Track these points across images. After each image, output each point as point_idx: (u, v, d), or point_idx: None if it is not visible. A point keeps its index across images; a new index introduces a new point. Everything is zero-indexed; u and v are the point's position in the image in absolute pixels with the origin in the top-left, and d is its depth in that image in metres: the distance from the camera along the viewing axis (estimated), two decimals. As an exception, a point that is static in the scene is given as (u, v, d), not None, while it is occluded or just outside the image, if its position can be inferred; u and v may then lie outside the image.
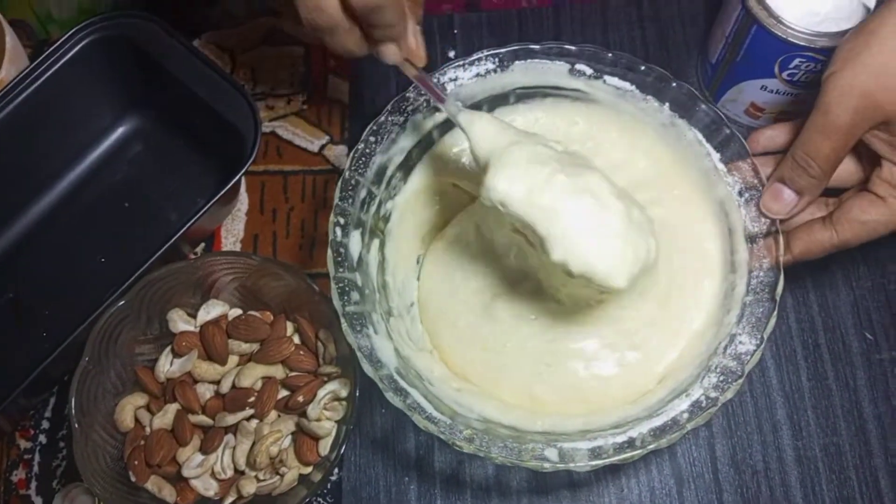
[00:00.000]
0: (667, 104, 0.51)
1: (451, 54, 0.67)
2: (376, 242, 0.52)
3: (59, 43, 0.58)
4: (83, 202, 0.62)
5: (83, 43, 0.59)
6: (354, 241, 0.49)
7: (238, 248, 0.62)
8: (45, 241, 0.61)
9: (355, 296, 0.47)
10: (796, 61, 0.55)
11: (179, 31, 0.59)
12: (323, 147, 0.64)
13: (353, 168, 0.50)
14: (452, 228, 0.55)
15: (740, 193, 0.49)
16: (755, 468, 0.55)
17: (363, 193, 0.50)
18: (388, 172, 0.52)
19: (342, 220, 0.49)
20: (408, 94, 0.51)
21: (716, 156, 0.51)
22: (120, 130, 0.64)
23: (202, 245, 0.62)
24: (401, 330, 0.51)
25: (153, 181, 0.63)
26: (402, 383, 0.46)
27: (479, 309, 0.52)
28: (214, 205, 0.55)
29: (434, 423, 0.44)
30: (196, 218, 0.55)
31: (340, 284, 0.47)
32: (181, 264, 0.52)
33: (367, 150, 0.50)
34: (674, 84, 0.51)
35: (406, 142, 0.52)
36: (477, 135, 0.46)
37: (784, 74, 0.57)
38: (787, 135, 0.51)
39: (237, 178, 0.56)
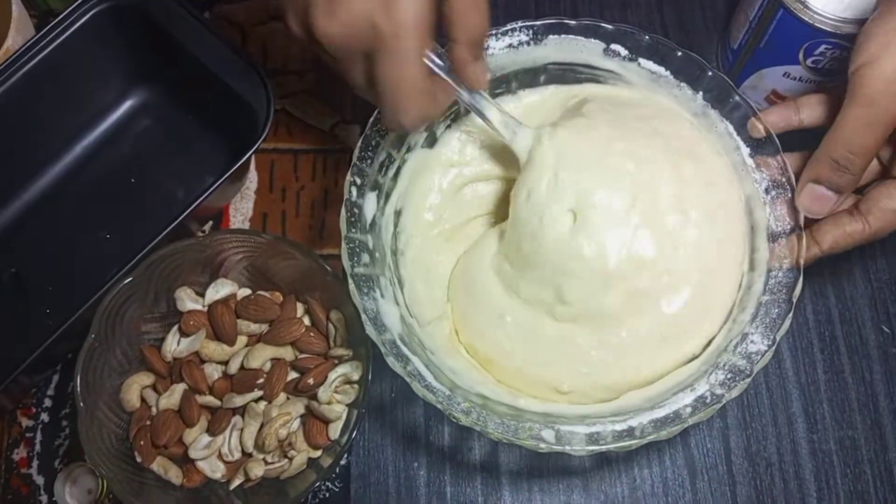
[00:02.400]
0: (700, 93, 0.50)
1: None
2: (392, 208, 0.51)
3: (66, 12, 0.57)
4: (89, 177, 0.61)
5: (91, 13, 0.57)
6: (370, 203, 0.48)
7: (247, 226, 0.60)
8: (49, 216, 0.60)
9: (365, 258, 0.47)
10: (822, 48, 0.54)
11: (190, 3, 0.57)
12: (334, 126, 0.63)
13: (374, 128, 0.49)
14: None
15: (767, 191, 0.48)
16: (769, 460, 0.54)
17: (382, 156, 0.49)
18: (411, 137, 0.50)
19: (359, 181, 0.48)
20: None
21: (745, 150, 0.50)
22: (128, 104, 0.62)
23: (210, 223, 0.61)
24: (412, 298, 0.51)
25: (161, 157, 0.61)
26: (405, 350, 0.45)
27: (503, 296, 0.51)
28: (224, 183, 0.54)
29: (433, 393, 0.44)
30: (205, 196, 0.53)
31: (351, 245, 0.46)
32: (189, 242, 0.51)
33: None
34: (710, 73, 0.50)
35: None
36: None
37: (808, 61, 0.56)
38: (794, 114, 0.50)
39: (248, 155, 0.54)
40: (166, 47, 0.58)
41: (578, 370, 0.48)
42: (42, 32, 0.57)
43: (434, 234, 0.53)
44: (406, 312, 0.50)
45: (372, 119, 0.49)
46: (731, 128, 0.50)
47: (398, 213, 0.52)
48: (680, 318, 0.47)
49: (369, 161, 0.48)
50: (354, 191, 0.48)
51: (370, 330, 0.45)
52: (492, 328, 0.49)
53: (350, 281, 0.45)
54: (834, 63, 0.55)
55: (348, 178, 0.47)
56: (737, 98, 0.50)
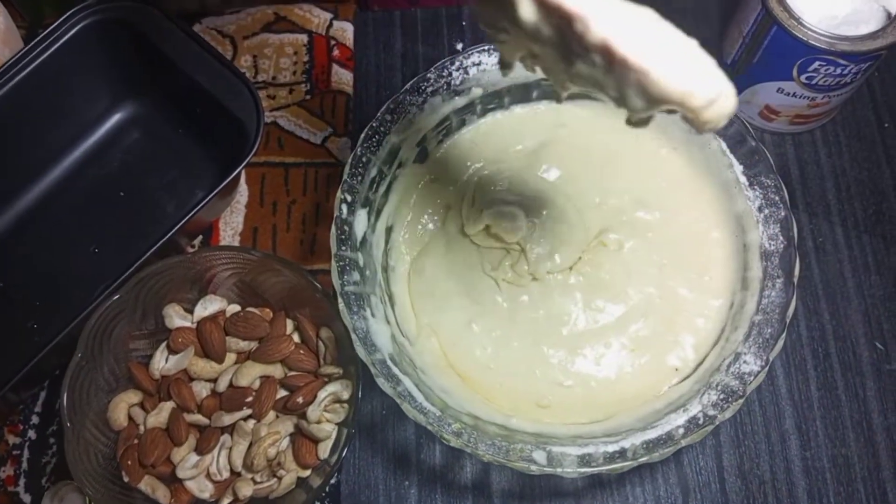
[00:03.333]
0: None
1: (459, 46, 0.65)
2: (382, 224, 0.50)
3: (55, 25, 0.56)
4: (77, 191, 0.60)
5: (80, 25, 0.57)
6: (360, 221, 0.48)
7: (237, 241, 0.60)
8: (37, 231, 0.59)
9: (355, 276, 0.46)
10: (816, 64, 0.54)
11: (179, 16, 0.57)
12: (326, 139, 0.63)
13: (365, 145, 0.48)
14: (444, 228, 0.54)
15: (760, 209, 0.48)
16: (762, 478, 0.54)
17: (373, 172, 0.49)
18: (401, 154, 0.50)
19: (349, 198, 0.47)
20: (428, 75, 0.50)
21: (738, 167, 0.49)
22: (116, 117, 0.62)
23: (199, 238, 0.60)
24: (402, 315, 0.50)
25: (150, 171, 0.61)
26: (395, 370, 0.45)
27: (475, 303, 0.51)
28: (213, 197, 0.53)
29: (423, 414, 0.44)
30: (195, 211, 0.53)
31: (341, 263, 0.46)
32: (178, 258, 0.51)
33: (382, 129, 0.49)
34: None
35: (422, 124, 0.50)
36: None
37: (802, 77, 0.55)
38: None
39: (238, 170, 0.54)
40: (155, 60, 0.58)
41: (558, 382, 0.48)
42: (30, 45, 0.56)
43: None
44: (397, 331, 0.49)
45: (363, 136, 0.48)
46: (724, 145, 0.50)
47: (389, 230, 0.52)
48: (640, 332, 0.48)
49: (360, 178, 0.48)
50: (345, 208, 0.47)
51: (360, 350, 0.45)
52: (463, 339, 0.49)
53: (340, 300, 0.45)
54: (828, 79, 0.55)
55: (339, 195, 0.47)
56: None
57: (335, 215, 0.47)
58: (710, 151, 0.50)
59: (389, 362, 0.45)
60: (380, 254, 0.50)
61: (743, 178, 0.49)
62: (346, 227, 0.47)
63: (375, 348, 0.45)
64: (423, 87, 0.50)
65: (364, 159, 0.48)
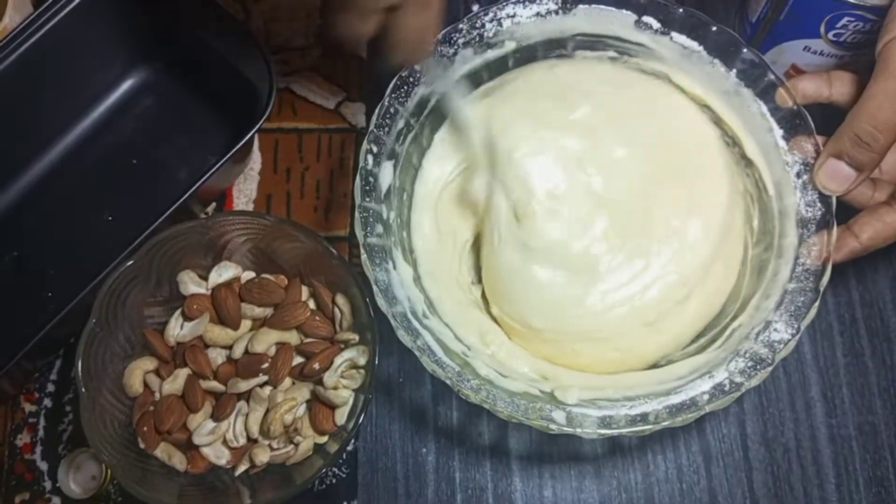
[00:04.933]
0: (734, 70, 0.49)
1: (475, 7, 0.64)
2: (409, 177, 0.49)
3: (64, -11, 0.55)
4: (89, 158, 0.60)
5: (90, -11, 0.56)
6: (386, 173, 0.47)
7: (250, 208, 0.59)
8: (50, 198, 0.59)
9: (379, 228, 0.46)
10: (844, 20, 0.52)
11: (190, -22, 0.56)
12: (339, 104, 0.62)
13: (393, 95, 0.47)
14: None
15: (798, 175, 0.47)
16: (787, 446, 0.53)
17: (401, 124, 0.48)
18: (430, 105, 0.49)
19: (375, 149, 0.47)
20: (460, 26, 0.48)
21: (778, 132, 0.48)
22: (128, 83, 0.61)
23: (213, 205, 0.60)
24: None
25: (163, 137, 0.60)
26: (415, 324, 0.44)
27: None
28: (226, 163, 0.53)
29: (442, 369, 0.43)
30: (207, 176, 0.52)
31: (365, 214, 0.45)
32: (192, 224, 0.50)
33: (411, 79, 0.48)
34: (744, 50, 0.48)
35: (453, 75, 0.49)
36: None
37: (830, 35, 0.54)
38: (825, 87, 0.48)
39: (250, 135, 0.53)
40: (167, 25, 0.57)
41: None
42: (40, 10, 0.55)
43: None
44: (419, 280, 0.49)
45: (391, 86, 0.47)
46: (764, 108, 0.48)
47: (414, 180, 0.51)
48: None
49: (386, 129, 0.47)
50: (370, 159, 0.46)
51: (381, 301, 0.44)
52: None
53: (362, 251, 0.45)
54: (857, 36, 0.53)
55: (364, 145, 0.46)
56: (771, 77, 0.48)
57: (360, 166, 0.46)
58: (750, 114, 0.49)
59: (410, 316, 0.44)
60: (406, 208, 0.50)
61: (782, 143, 0.48)
62: (371, 179, 0.46)
63: (396, 301, 0.44)
64: (454, 39, 0.49)
65: (392, 110, 0.47)
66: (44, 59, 0.56)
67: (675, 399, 0.43)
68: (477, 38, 0.49)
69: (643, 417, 0.43)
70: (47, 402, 0.55)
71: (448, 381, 0.43)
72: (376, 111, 0.47)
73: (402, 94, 0.48)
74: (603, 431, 0.42)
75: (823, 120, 0.48)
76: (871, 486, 0.52)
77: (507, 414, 0.43)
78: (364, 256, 0.44)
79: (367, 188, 0.46)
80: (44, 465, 0.54)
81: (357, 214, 0.45)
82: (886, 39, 0.42)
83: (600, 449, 0.53)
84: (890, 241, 0.46)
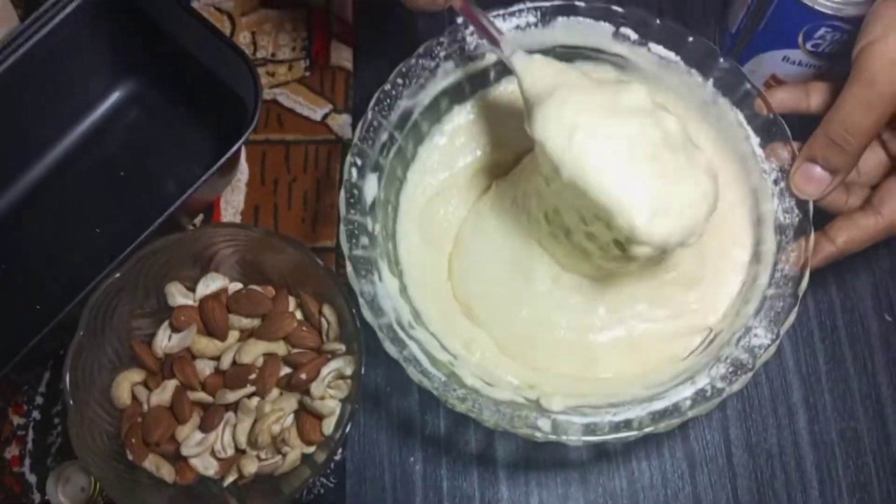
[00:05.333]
0: (711, 80, 0.49)
1: (460, 20, 0.64)
2: (394, 189, 0.50)
3: (51, 2, 0.56)
4: (76, 170, 0.60)
5: (76, 2, 0.56)
6: (370, 185, 0.47)
7: (238, 219, 0.60)
8: (37, 211, 0.59)
9: (364, 240, 0.46)
10: (822, 31, 0.53)
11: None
12: (326, 116, 0.62)
13: (376, 109, 0.48)
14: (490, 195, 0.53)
15: (776, 182, 0.47)
16: (770, 452, 0.54)
17: (384, 137, 0.48)
18: (413, 118, 0.50)
19: (359, 162, 0.47)
20: (441, 39, 0.49)
21: (755, 139, 0.48)
22: (115, 96, 0.61)
23: (200, 216, 0.60)
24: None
25: (150, 149, 0.60)
26: (402, 334, 0.45)
27: (515, 277, 0.51)
28: (214, 175, 0.53)
29: (428, 379, 0.44)
30: (195, 188, 0.52)
31: (350, 227, 0.45)
32: (179, 236, 0.50)
33: (393, 93, 0.48)
34: (721, 59, 0.49)
35: (435, 88, 0.50)
36: (530, 79, 0.44)
37: (808, 45, 0.54)
38: (803, 98, 0.49)
39: (237, 146, 0.53)
40: (153, 37, 0.57)
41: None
42: (27, 23, 0.55)
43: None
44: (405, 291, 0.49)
45: (374, 99, 0.48)
46: (741, 116, 0.49)
47: (398, 193, 0.52)
48: None
49: (370, 142, 0.48)
50: (355, 172, 0.47)
51: (367, 313, 0.44)
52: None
53: (348, 263, 0.45)
54: (834, 46, 0.54)
55: (349, 158, 0.47)
56: (748, 86, 0.48)
57: (345, 178, 0.46)
58: (727, 123, 0.49)
59: (396, 326, 0.45)
60: (390, 220, 0.50)
61: (759, 151, 0.48)
62: (355, 191, 0.47)
63: (382, 312, 0.45)
64: (435, 52, 0.49)
65: (375, 123, 0.48)
66: (30, 72, 0.56)
67: (658, 405, 0.44)
68: (458, 51, 0.50)
69: (627, 424, 0.43)
70: (36, 414, 0.55)
71: (434, 392, 0.43)
72: (359, 124, 0.47)
73: (385, 108, 0.48)
74: (587, 438, 0.43)
75: (802, 128, 0.49)
76: (854, 492, 0.53)
77: (492, 423, 0.43)
78: (350, 269, 0.45)
79: (352, 200, 0.46)
80: (32, 478, 0.54)
81: (342, 227, 0.46)
82: (861, 45, 0.43)
83: (586, 455, 0.53)
84: (865, 245, 0.46)
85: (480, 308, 0.50)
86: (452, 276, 0.52)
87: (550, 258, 0.50)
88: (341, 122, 0.62)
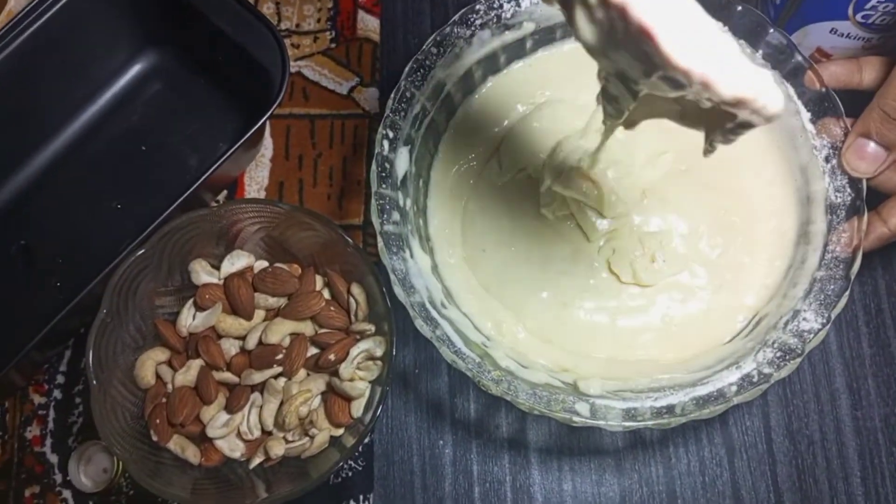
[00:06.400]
0: (760, 52, 0.47)
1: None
2: (425, 164, 0.48)
3: (70, -29, 0.54)
4: (98, 145, 0.59)
5: (97, -29, 0.54)
6: (402, 159, 0.46)
7: (262, 196, 0.58)
8: (58, 186, 0.58)
9: (395, 215, 0.44)
10: (874, 1, 0.50)
11: (199, -40, 0.54)
12: (352, 89, 0.60)
13: (409, 79, 0.46)
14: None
15: (827, 159, 0.45)
16: (811, 438, 0.52)
17: (417, 108, 0.47)
18: (446, 89, 0.48)
19: (391, 134, 0.45)
20: (478, 7, 0.47)
21: (805, 115, 0.46)
22: (137, 68, 0.60)
23: (224, 193, 0.58)
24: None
25: (172, 123, 0.59)
26: (434, 313, 0.43)
27: (531, 257, 0.49)
28: (238, 150, 0.51)
29: (462, 360, 0.42)
30: (219, 164, 0.51)
31: (381, 201, 0.44)
32: (203, 212, 0.49)
33: (427, 62, 0.46)
34: (771, 30, 0.46)
35: (470, 58, 0.48)
36: None
37: (858, 16, 0.52)
38: (856, 72, 0.47)
39: (262, 121, 0.52)
40: (176, 7, 0.55)
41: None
42: (46, -8, 0.54)
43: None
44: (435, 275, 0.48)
45: (407, 69, 0.46)
46: (791, 90, 0.47)
47: (430, 167, 0.50)
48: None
49: (403, 114, 0.46)
50: (387, 144, 0.45)
51: (398, 291, 0.43)
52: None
53: (379, 239, 0.43)
54: (886, 18, 0.51)
55: (381, 130, 0.45)
56: (798, 58, 0.46)
57: (376, 151, 0.45)
58: None
59: (428, 304, 0.43)
60: (421, 195, 0.48)
61: (810, 126, 0.46)
62: (387, 165, 0.45)
63: (414, 290, 0.43)
64: (471, 20, 0.47)
65: (408, 94, 0.46)
66: (50, 44, 0.55)
67: (702, 390, 0.42)
68: (494, 20, 0.48)
69: (669, 409, 0.42)
70: (57, 393, 0.54)
71: (468, 373, 0.42)
72: (392, 95, 0.46)
73: (419, 78, 0.46)
74: (628, 424, 0.41)
75: (853, 106, 0.46)
76: (898, 480, 0.51)
77: (528, 406, 0.42)
78: (381, 244, 0.43)
79: (384, 175, 0.45)
80: (54, 458, 0.53)
81: (373, 202, 0.44)
82: None
83: (621, 442, 0.52)
84: None
85: (500, 289, 0.49)
86: (467, 259, 0.50)
87: (564, 238, 0.49)
88: (368, 96, 0.60)
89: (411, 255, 0.45)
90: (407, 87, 0.46)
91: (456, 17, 0.47)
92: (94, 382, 0.46)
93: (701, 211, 0.49)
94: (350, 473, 0.52)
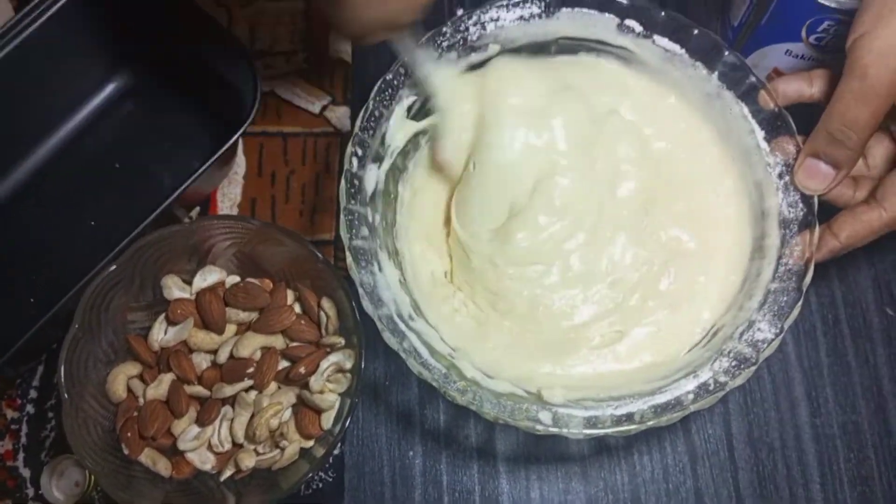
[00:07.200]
0: (716, 73, 0.49)
1: (459, 11, 0.64)
2: (394, 180, 0.49)
3: (45, -7, 0.55)
4: (71, 163, 0.59)
5: (71, -7, 0.55)
6: (370, 175, 0.47)
7: (235, 212, 0.59)
8: (32, 204, 0.58)
9: (364, 231, 0.45)
10: (826, 24, 0.53)
11: (174, -18, 0.55)
12: (324, 108, 0.62)
13: (378, 99, 0.47)
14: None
15: (780, 176, 0.47)
16: (772, 446, 0.53)
17: (384, 126, 0.48)
18: (415, 108, 0.49)
19: (360, 152, 0.46)
20: (444, 30, 0.49)
21: (760, 133, 0.48)
22: (110, 87, 0.61)
23: (197, 209, 0.59)
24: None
25: (145, 141, 0.60)
26: (401, 326, 0.44)
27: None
28: (210, 167, 0.53)
29: (429, 370, 0.43)
30: (191, 180, 0.52)
31: (350, 217, 0.45)
32: (176, 228, 0.50)
33: (395, 82, 0.48)
34: (726, 52, 0.48)
35: (437, 79, 0.49)
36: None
37: (811, 38, 0.54)
38: (807, 87, 0.49)
39: (234, 138, 0.53)
40: (150, 28, 0.56)
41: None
42: (21, 14, 0.55)
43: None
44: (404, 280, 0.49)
45: (375, 89, 0.47)
46: (745, 110, 0.48)
47: (395, 183, 0.51)
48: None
49: (371, 132, 0.47)
50: (355, 162, 0.46)
51: (366, 304, 0.44)
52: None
53: (348, 254, 0.44)
54: (837, 40, 0.53)
55: (349, 148, 0.46)
56: (753, 79, 0.48)
57: (345, 168, 0.46)
58: (732, 116, 0.49)
59: (396, 317, 0.44)
60: (391, 211, 0.50)
61: (763, 144, 0.48)
62: (356, 181, 0.46)
63: (382, 303, 0.44)
64: (438, 42, 0.49)
65: (376, 113, 0.47)
66: (24, 64, 0.55)
67: (660, 398, 0.43)
68: (461, 42, 0.49)
69: (629, 417, 0.43)
70: (30, 408, 0.55)
71: (434, 384, 0.43)
72: (360, 114, 0.47)
73: (387, 97, 0.48)
74: (589, 431, 0.42)
75: (810, 120, 0.48)
76: (856, 485, 0.53)
77: (493, 415, 0.43)
78: (349, 259, 0.44)
79: (353, 191, 0.46)
80: (26, 472, 0.53)
81: (342, 217, 0.45)
82: (854, 37, 0.43)
83: (587, 450, 0.53)
84: (868, 239, 0.46)
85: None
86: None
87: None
88: (340, 115, 0.61)
89: (380, 269, 0.46)
90: (375, 105, 0.47)
91: (423, 39, 0.48)
92: (66, 397, 0.46)
93: (658, 246, 0.50)
94: (321, 485, 0.53)
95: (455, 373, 0.44)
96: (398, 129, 0.49)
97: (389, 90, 0.48)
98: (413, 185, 0.52)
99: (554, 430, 0.42)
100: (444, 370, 0.44)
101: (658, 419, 0.42)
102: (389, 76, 0.48)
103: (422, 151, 0.52)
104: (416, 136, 0.51)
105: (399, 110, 0.48)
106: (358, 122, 0.47)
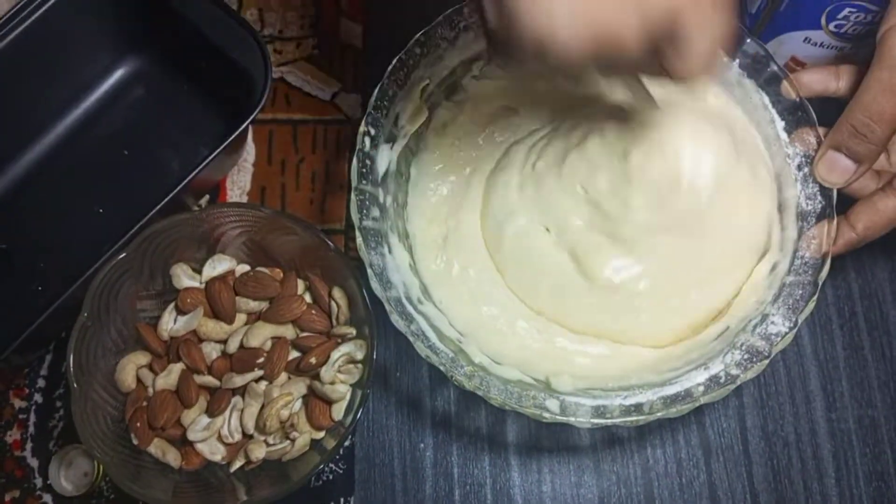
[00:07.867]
0: (736, 61, 0.48)
1: None
2: (405, 161, 0.49)
3: (53, -24, 0.54)
4: (80, 149, 0.59)
5: (79, -24, 0.55)
6: (383, 156, 0.46)
7: (244, 200, 0.58)
8: (39, 191, 0.58)
9: (374, 211, 0.45)
10: (846, 11, 0.52)
11: (183, -34, 0.55)
12: (335, 95, 0.61)
13: (391, 78, 0.46)
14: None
15: (799, 167, 0.46)
16: (787, 440, 0.53)
17: (398, 107, 0.47)
18: (430, 89, 0.48)
19: (373, 132, 0.46)
20: (464, 9, 0.48)
21: (780, 123, 0.47)
22: (119, 73, 0.60)
23: (206, 197, 0.59)
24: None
25: (154, 128, 0.59)
26: (410, 308, 0.44)
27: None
28: (220, 154, 0.52)
29: (436, 354, 0.43)
30: (200, 168, 0.51)
31: (361, 197, 0.45)
32: (185, 216, 0.49)
33: (410, 62, 0.47)
34: (748, 41, 0.47)
35: (452, 60, 0.48)
36: None
37: (831, 26, 0.53)
38: (833, 80, 0.48)
39: (244, 125, 0.52)
40: (159, 12, 0.56)
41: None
42: (27, -1, 0.54)
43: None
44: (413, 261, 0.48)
45: (390, 68, 0.46)
46: (766, 99, 0.48)
47: (409, 164, 0.51)
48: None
49: (384, 112, 0.46)
50: (368, 141, 0.46)
51: (375, 285, 0.43)
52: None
53: (358, 234, 0.44)
54: (858, 28, 0.52)
55: (362, 127, 0.46)
56: (774, 68, 0.47)
57: (357, 148, 0.45)
58: (752, 105, 0.48)
59: (404, 300, 0.44)
60: (401, 191, 0.49)
61: (783, 135, 0.47)
62: (367, 161, 0.46)
63: (391, 285, 0.44)
64: (456, 21, 0.48)
65: (390, 92, 0.46)
66: (31, 49, 0.55)
67: (670, 390, 0.43)
68: (479, 22, 0.48)
69: (637, 408, 0.42)
70: (38, 397, 0.54)
71: (441, 368, 0.42)
72: (374, 92, 0.46)
73: (402, 77, 0.47)
74: (596, 420, 0.42)
75: (830, 112, 0.47)
76: (871, 480, 0.52)
77: (500, 401, 0.42)
78: (359, 240, 0.44)
79: (364, 171, 0.45)
80: (34, 462, 0.53)
81: (353, 197, 0.44)
82: (886, 28, 0.42)
83: (599, 443, 0.52)
84: (886, 229, 0.45)
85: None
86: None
87: None
88: (351, 102, 0.60)
89: (390, 251, 0.46)
90: (389, 84, 0.47)
91: (441, 18, 0.47)
92: (75, 386, 0.46)
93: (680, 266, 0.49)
94: (331, 476, 0.53)
95: (463, 357, 0.44)
96: (412, 109, 0.48)
97: (405, 69, 0.47)
98: (422, 167, 0.51)
99: (561, 418, 0.42)
100: (452, 354, 0.43)
101: (667, 410, 0.42)
102: (405, 55, 0.47)
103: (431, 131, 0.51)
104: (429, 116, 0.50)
105: (414, 90, 0.47)
106: (371, 101, 0.46)
